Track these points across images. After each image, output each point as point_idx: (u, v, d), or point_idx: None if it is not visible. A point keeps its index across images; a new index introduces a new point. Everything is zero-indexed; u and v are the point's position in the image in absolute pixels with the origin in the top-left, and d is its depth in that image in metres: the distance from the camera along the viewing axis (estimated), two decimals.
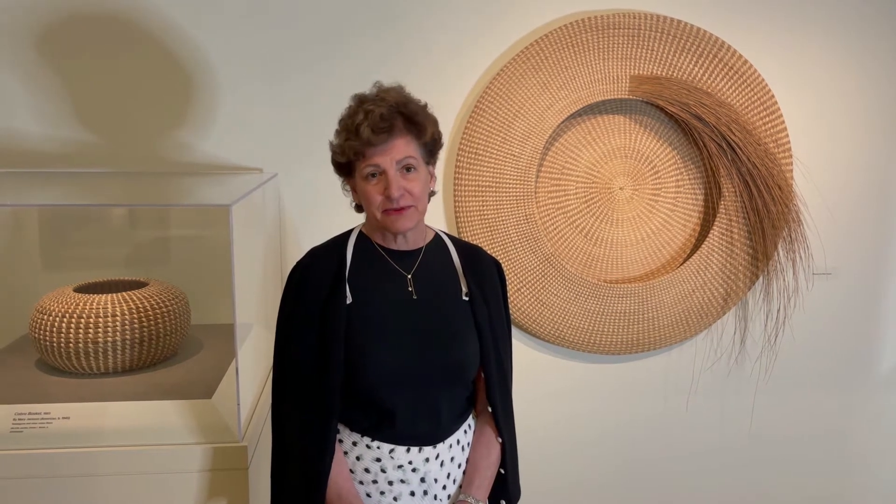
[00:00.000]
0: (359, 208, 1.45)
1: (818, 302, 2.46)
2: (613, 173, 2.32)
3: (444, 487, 1.43)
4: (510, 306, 1.93)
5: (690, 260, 2.33)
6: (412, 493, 1.40)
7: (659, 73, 2.23)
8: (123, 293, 1.77)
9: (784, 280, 2.39)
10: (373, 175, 1.35)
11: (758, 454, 2.56)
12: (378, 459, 1.39)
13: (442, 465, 1.42)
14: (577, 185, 2.31)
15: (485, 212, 2.21)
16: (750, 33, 2.29)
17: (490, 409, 1.47)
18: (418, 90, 1.44)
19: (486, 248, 1.87)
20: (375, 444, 1.39)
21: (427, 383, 1.39)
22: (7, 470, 1.45)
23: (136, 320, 1.73)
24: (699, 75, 2.24)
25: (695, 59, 2.23)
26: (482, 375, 1.47)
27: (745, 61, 2.25)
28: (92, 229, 2.16)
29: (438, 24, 2.17)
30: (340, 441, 1.41)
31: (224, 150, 2.13)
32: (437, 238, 1.51)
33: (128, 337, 1.72)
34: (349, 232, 1.49)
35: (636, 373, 2.43)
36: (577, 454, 2.46)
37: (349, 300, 1.39)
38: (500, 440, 1.48)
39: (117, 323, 1.71)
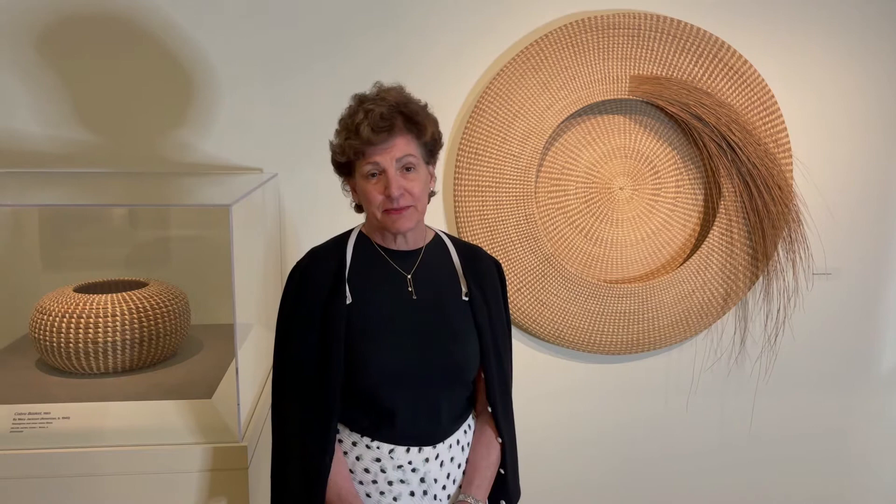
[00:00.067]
0: (359, 208, 1.45)
1: (818, 302, 2.46)
2: (613, 173, 2.33)
3: (444, 487, 1.43)
4: (510, 306, 1.93)
5: (690, 260, 2.33)
6: (412, 494, 1.40)
7: (659, 73, 2.23)
8: (123, 293, 1.77)
9: (784, 280, 2.39)
10: (373, 175, 1.35)
11: (758, 454, 2.56)
12: (378, 459, 1.39)
13: (442, 465, 1.42)
14: (577, 185, 2.31)
15: (485, 212, 2.21)
16: (750, 33, 2.29)
17: (490, 410, 1.47)
18: (418, 90, 1.44)
19: (486, 248, 1.88)
20: (375, 444, 1.39)
21: (427, 383, 1.39)
22: (7, 470, 1.46)
23: (136, 320, 1.73)
24: (699, 75, 2.25)
25: (695, 59, 2.23)
26: (482, 375, 1.47)
27: (745, 61, 2.25)
28: (92, 229, 2.16)
29: (439, 24, 2.17)
30: (340, 441, 1.41)
31: (224, 150, 2.13)
32: (437, 238, 1.51)
33: (128, 337, 1.72)
34: (349, 232, 1.49)
35: (636, 373, 2.43)
36: (577, 454, 2.46)
37: (349, 300, 1.39)
38: (499, 440, 1.48)
39: (117, 323, 1.71)
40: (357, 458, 1.40)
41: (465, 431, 1.47)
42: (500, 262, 1.60)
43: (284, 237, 2.19)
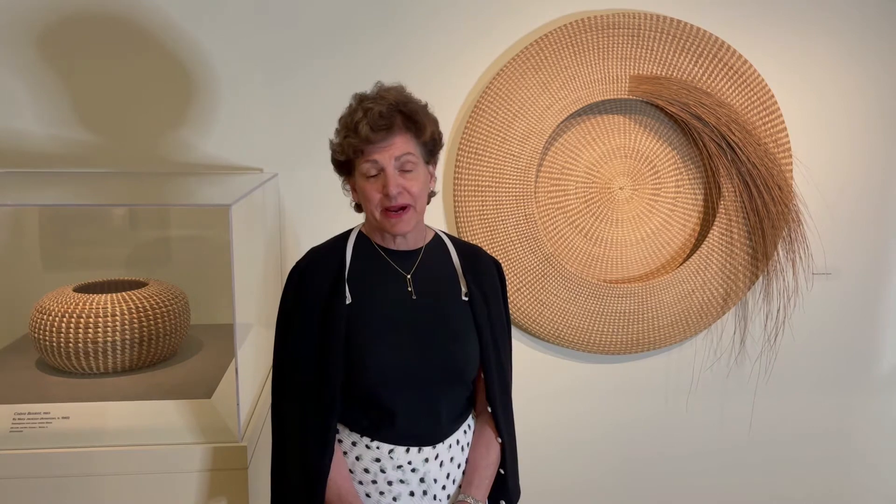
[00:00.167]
0: (358, 208, 1.45)
1: (818, 302, 2.46)
2: (613, 173, 2.32)
3: (444, 488, 1.43)
4: (510, 306, 1.93)
5: (690, 260, 2.33)
6: (411, 494, 1.40)
7: (659, 73, 2.23)
8: (123, 293, 1.77)
9: (784, 280, 2.39)
10: (372, 173, 1.35)
11: (758, 454, 2.56)
12: (377, 459, 1.39)
13: (441, 465, 1.42)
14: (576, 185, 2.31)
15: (485, 212, 2.21)
16: (750, 33, 2.29)
17: (490, 410, 1.47)
18: (418, 90, 1.44)
19: (486, 248, 1.88)
20: (375, 444, 1.39)
21: (427, 383, 1.39)
22: (7, 470, 1.46)
23: (136, 320, 1.73)
24: (699, 75, 2.24)
25: (695, 59, 2.23)
26: (482, 375, 1.47)
27: (745, 61, 2.25)
28: (92, 229, 2.16)
29: (439, 24, 2.17)
30: (340, 441, 1.41)
31: (224, 150, 2.13)
32: (437, 238, 1.51)
33: (128, 337, 1.73)
34: (349, 232, 1.49)
35: (636, 373, 2.43)
36: (577, 454, 2.46)
37: (349, 300, 1.39)
38: (499, 440, 1.48)
39: (117, 323, 1.71)
40: (357, 458, 1.40)
41: (465, 431, 1.47)
42: (500, 262, 1.60)
43: (284, 237, 2.19)
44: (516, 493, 1.53)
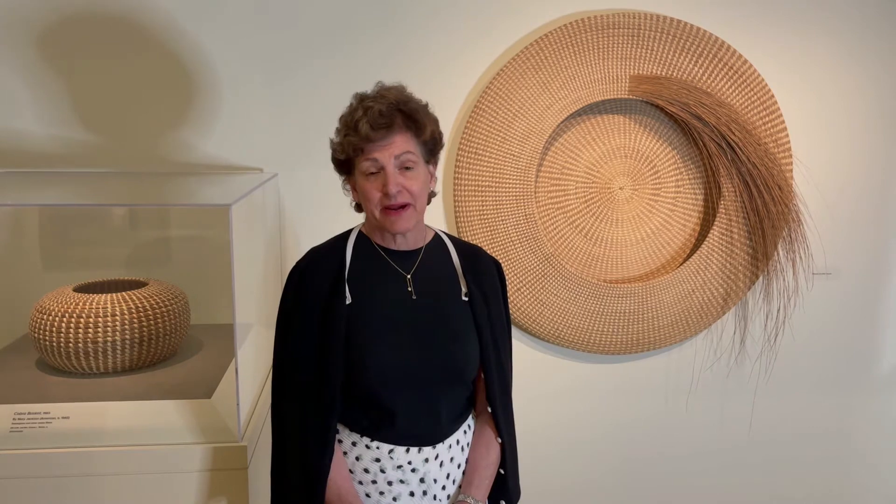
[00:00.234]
0: (359, 208, 1.45)
1: (818, 302, 2.46)
2: (613, 173, 2.32)
3: (444, 488, 1.43)
4: (510, 306, 1.93)
5: (690, 260, 2.33)
6: (411, 494, 1.40)
7: (659, 72, 2.23)
8: (123, 293, 1.77)
9: (784, 280, 2.39)
10: (372, 172, 1.35)
11: (758, 454, 2.56)
12: (377, 460, 1.39)
13: (441, 465, 1.42)
14: (576, 185, 2.31)
15: (485, 212, 2.21)
16: (750, 33, 2.29)
17: (490, 410, 1.47)
18: (418, 90, 1.44)
19: (486, 248, 1.88)
20: (375, 444, 1.39)
21: (427, 383, 1.39)
22: (7, 470, 1.46)
23: (135, 320, 1.73)
24: (699, 75, 2.24)
25: (695, 59, 2.23)
26: (482, 376, 1.47)
27: (745, 61, 2.25)
28: (92, 229, 2.16)
29: (439, 24, 2.17)
30: (340, 441, 1.41)
31: (224, 150, 2.13)
32: (437, 238, 1.51)
33: (128, 337, 1.72)
34: (349, 232, 1.49)
35: (636, 373, 2.43)
36: (577, 454, 2.46)
37: (349, 300, 1.39)
38: (499, 440, 1.48)
39: (117, 323, 1.71)
40: (357, 458, 1.40)
41: (465, 431, 1.47)
42: (500, 261, 1.60)
43: (284, 237, 2.19)
44: (516, 493, 1.53)
